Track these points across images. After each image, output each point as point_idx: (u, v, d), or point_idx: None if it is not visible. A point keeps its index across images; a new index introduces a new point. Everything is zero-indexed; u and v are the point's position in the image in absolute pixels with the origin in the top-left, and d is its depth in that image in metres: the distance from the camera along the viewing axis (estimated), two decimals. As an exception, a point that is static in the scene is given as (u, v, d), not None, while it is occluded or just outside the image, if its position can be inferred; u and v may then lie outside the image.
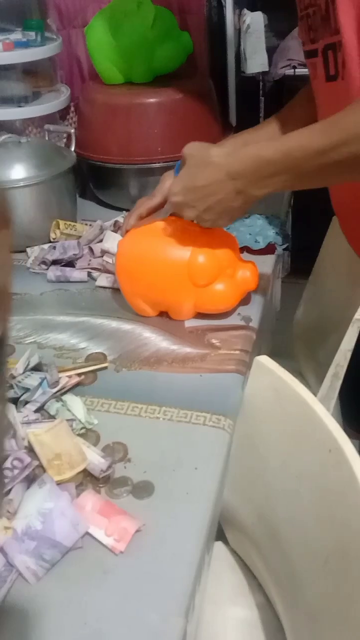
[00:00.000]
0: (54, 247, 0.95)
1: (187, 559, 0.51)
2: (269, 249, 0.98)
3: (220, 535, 0.85)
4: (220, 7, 1.25)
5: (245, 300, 0.83)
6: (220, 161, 0.65)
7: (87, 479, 0.58)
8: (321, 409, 0.60)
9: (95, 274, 0.92)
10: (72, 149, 1.06)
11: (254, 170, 0.64)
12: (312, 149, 0.60)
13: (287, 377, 0.66)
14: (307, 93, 0.85)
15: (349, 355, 0.84)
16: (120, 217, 1.02)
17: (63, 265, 0.93)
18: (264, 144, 0.65)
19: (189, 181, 0.68)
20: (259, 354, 0.73)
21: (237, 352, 0.76)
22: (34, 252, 0.97)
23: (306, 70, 1.88)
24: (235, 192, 0.67)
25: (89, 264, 0.93)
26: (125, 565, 0.51)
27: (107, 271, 0.91)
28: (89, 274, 0.92)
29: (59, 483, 0.55)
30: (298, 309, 1.19)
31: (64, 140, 1.14)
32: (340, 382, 0.87)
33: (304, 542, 0.63)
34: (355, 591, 0.52)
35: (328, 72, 0.70)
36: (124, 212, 1.06)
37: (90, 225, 1.01)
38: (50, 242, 0.99)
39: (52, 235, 0.98)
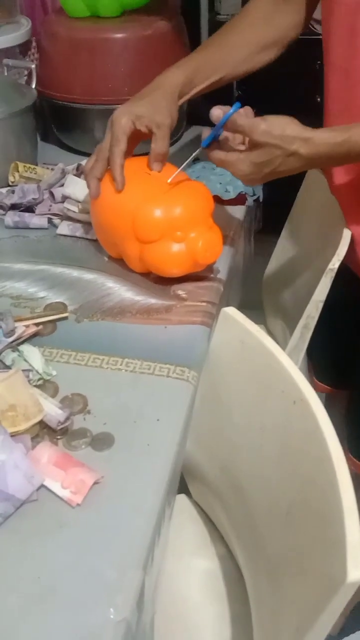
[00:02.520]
0: (13, 191, 0.89)
1: (146, 511, 0.50)
2: (239, 199, 0.95)
3: (183, 488, 0.84)
4: None
5: None
6: (303, 152, 0.65)
7: (44, 430, 0.56)
8: (287, 360, 0.59)
9: (56, 220, 0.87)
10: (33, 86, 0.99)
11: (334, 157, 0.66)
12: None
13: (254, 329, 0.64)
14: (259, 11, 0.81)
15: (320, 306, 0.83)
16: (85, 161, 0.96)
17: (22, 211, 0.88)
18: (349, 134, 0.64)
19: (267, 167, 0.66)
20: (226, 307, 0.71)
21: (204, 303, 0.74)
22: (-10, 196, 0.91)
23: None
24: (305, 168, 0.69)
25: (49, 210, 0.88)
26: (82, 518, 0.49)
27: (69, 218, 0.87)
28: (50, 221, 0.87)
29: (13, 435, 0.52)
30: (270, 263, 1.16)
31: (25, 77, 1.07)
32: (310, 333, 0.86)
33: (266, 494, 0.63)
34: (315, 543, 0.51)
35: None
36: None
37: (51, 169, 0.96)
38: (9, 185, 0.93)
39: (11, 179, 0.93)
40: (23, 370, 0.60)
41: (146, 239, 0.72)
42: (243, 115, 0.66)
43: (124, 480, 0.52)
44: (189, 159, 0.73)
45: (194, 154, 0.72)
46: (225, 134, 0.69)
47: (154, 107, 0.73)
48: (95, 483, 0.51)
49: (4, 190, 0.91)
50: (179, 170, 0.73)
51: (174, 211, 0.70)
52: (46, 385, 0.61)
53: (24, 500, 0.49)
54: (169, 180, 0.72)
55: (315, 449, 0.52)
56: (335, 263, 0.78)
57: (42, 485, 0.50)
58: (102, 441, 0.55)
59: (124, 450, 0.55)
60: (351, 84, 0.72)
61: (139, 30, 0.98)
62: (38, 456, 0.52)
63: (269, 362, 0.60)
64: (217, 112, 0.67)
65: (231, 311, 0.67)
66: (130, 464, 0.53)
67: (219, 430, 0.71)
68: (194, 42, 1.18)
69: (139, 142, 0.76)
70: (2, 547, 0.47)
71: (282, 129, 0.64)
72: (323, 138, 0.64)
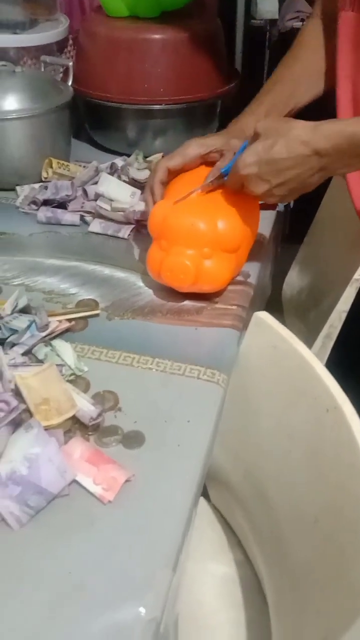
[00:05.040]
0: (46, 187, 0.89)
1: (176, 512, 0.50)
2: (270, 205, 0.94)
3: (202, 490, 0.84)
4: None
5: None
6: (306, 136, 0.60)
7: (76, 426, 0.56)
8: (320, 367, 0.58)
9: (88, 217, 0.88)
10: (69, 83, 0.99)
11: (345, 148, 0.60)
12: None
13: (287, 334, 0.63)
14: (312, 37, 0.81)
15: (344, 316, 0.83)
16: (118, 160, 0.97)
17: (54, 207, 0.88)
18: (355, 119, 0.60)
19: (267, 153, 0.62)
20: (253, 310, 0.70)
21: (234, 307, 0.74)
22: (23, 190, 0.92)
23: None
24: (318, 169, 0.63)
25: (82, 207, 0.88)
26: (113, 515, 0.49)
27: (101, 216, 0.87)
28: (82, 218, 0.88)
29: (46, 429, 0.52)
30: (291, 270, 1.16)
31: (61, 74, 1.07)
32: (332, 343, 0.86)
33: (292, 502, 0.62)
34: (345, 553, 0.51)
35: None
36: (124, 156, 1.00)
37: (84, 166, 0.96)
38: (42, 181, 0.93)
39: (44, 175, 0.93)
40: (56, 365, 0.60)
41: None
42: None
43: (155, 479, 0.52)
44: (205, 183, 0.71)
45: (210, 179, 0.71)
46: None
47: (227, 140, 0.74)
48: (127, 481, 0.51)
49: (36, 185, 0.92)
50: (191, 192, 0.71)
51: (172, 219, 0.69)
52: (78, 380, 0.61)
53: (56, 495, 0.49)
54: (174, 202, 0.70)
55: (348, 456, 0.52)
56: (360, 274, 0.77)
57: (74, 481, 0.50)
58: (132, 439, 0.55)
59: (154, 449, 0.55)
60: (358, 92, 0.72)
61: (177, 32, 0.98)
62: (70, 451, 0.52)
63: (302, 368, 0.60)
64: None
65: (264, 315, 0.67)
66: (160, 463, 0.53)
67: (246, 434, 0.71)
68: (230, 45, 1.19)
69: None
70: (34, 541, 0.47)
71: (281, 120, 0.64)
72: (330, 126, 0.60)
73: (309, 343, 0.91)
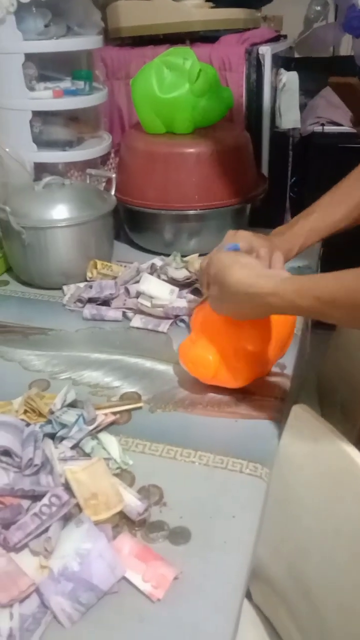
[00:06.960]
0: (90, 286, 0.96)
1: (226, 610, 0.50)
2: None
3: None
4: (259, 66, 1.31)
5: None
6: (236, 297, 0.67)
7: (123, 521, 0.57)
8: (363, 462, 0.59)
9: (129, 314, 0.93)
10: (112, 192, 1.09)
11: (263, 312, 0.68)
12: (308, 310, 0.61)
13: (327, 427, 0.65)
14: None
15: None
16: (157, 260, 1.04)
17: (99, 304, 0.94)
18: (270, 289, 0.64)
19: (216, 305, 0.72)
20: (291, 402, 0.73)
21: (272, 398, 0.76)
22: (70, 289, 0.99)
23: (334, 127, 1.90)
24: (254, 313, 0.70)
25: (124, 304, 0.94)
26: (162, 613, 0.49)
27: (142, 312, 0.92)
28: (124, 314, 0.93)
29: (95, 523, 0.54)
30: (325, 359, 1.18)
31: (103, 183, 1.18)
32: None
33: (340, 600, 0.61)
34: None
35: None
36: (161, 256, 1.07)
37: (125, 266, 1.03)
38: (87, 281, 1.00)
39: (89, 275, 1.00)
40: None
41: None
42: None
43: (202, 577, 0.52)
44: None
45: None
46: None
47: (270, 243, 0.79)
48: (175, 578, 0.51)
49: (82, 285, 0.99)
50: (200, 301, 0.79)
51: (209, 317, 0.74)
52: (123, 474, 0.63)
53: (106, 591, 0.50)
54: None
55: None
56: None
57: (123, 577, 0.51)
58: (179, 535, 0.56)
59: (200, 546, 0.55)
60: None
61: (209, 146, 1.08)
62: (119, 547, 0.53)
63: (343, 462, 0.61)
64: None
65: (303, 408, 0.69)
66: (207, 560, 0.54)
67: (288, 530, 0.70)
68: (257, 150, 1.29)
69: None
70: (86, 638, 0.47)
71: (225, 266, 0.68)
72: (253, 296, 0.65)
73: (348, 430, 0.91)
